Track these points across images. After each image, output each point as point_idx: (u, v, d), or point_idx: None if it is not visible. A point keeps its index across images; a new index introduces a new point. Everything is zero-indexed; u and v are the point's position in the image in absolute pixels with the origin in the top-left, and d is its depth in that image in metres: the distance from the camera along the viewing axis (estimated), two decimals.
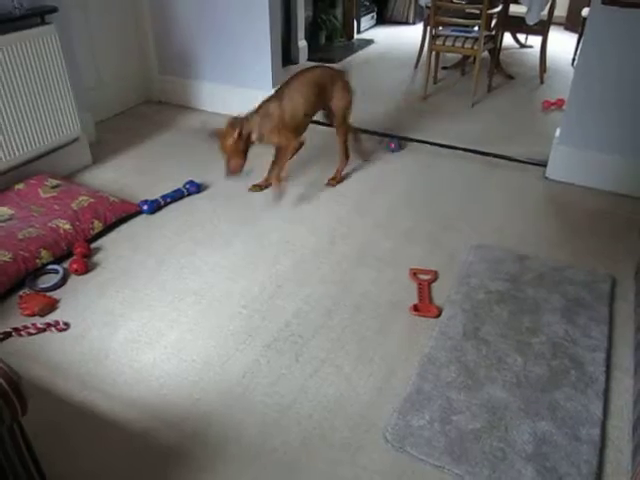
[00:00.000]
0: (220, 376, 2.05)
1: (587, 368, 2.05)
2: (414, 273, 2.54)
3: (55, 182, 3.03)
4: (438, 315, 2.30)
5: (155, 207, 3.02)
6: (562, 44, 6.06)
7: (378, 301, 2.41)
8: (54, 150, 3.26)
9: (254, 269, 2.62)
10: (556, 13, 5.00)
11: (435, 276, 2.53)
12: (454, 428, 1.83)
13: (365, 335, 2.23)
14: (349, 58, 5.76)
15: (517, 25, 5.04)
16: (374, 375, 2.05)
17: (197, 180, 3.25)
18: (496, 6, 4.63)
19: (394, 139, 3.77)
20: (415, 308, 2.33)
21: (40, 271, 2.55)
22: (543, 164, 3.46)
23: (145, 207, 2.99)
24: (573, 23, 6.36)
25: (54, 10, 3.06)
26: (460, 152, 3.71)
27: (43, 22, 3.04)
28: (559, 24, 6.54)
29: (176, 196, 3.13)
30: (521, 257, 2.65)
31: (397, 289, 2.48)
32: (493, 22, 5.03)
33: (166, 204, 3.08)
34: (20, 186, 2.98)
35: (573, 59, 5.51)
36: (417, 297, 2.40)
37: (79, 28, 3.73)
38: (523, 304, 2.36)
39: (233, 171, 2.93)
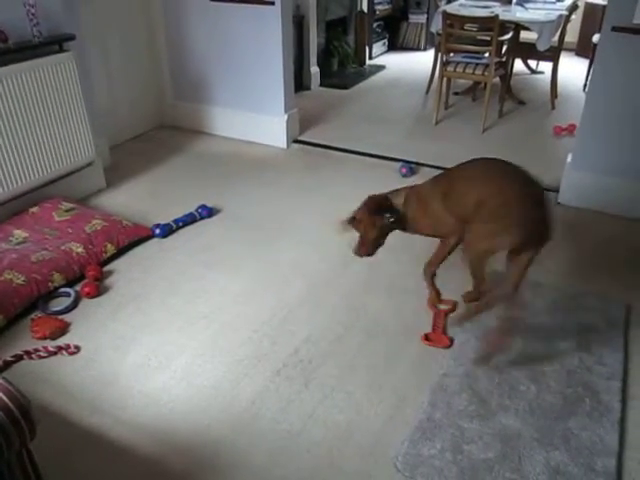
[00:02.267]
0: (229, 402, 2.04)
1: (602, 397, 2.02)
2: (433, 302, 2.51)
3: (69, 206, 3.07)
4: (449, 346, 2.27)
5: (167, 231, 3.04)
6: (573, 70, 6.09)
7: (389, 328, 2.40)
8: (69, 174, 3.30)
9: (264, 294, 2.61)
10: (567, 39, 5.04)
11: (454, 306, 2.49)
12: (466, 458, 1.79)
13: (376, 362, 2.21)
14: (361, 84, 5.82)
15: (528, 51, 5.08)
16: (385, 402, 2.03)
17: (209, 204, 3.27)
18: (507, 33, 4.69)
19: (406, 164, 3.78)
20: (427, 337, 2.31)
21: (52, 294, 2.57)
22: (555, 190, 3.44)
23: (157, 231, 3.01)
24: (584, 49, 6.40)
25: (72, 38, 3.13)
26: None
27: (61, 49, 3.12)
28: (570, 50, 6.58)
29: (188, 220, 3.15)
30: (534, 284, 2.62)
31: (409, 315, 2.46)
32: (504, 48, 5.08)
33: (178, 228, 3.10)
34: (35, 209, 3.02)
35: (584, 85, 5.53)
36: (432, 326, 2.38)
37: (96, 55, 3.81)
38: (536, 332, 2.33)
39: (364, 254, 2.38)
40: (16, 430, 1.25)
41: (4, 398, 1.25)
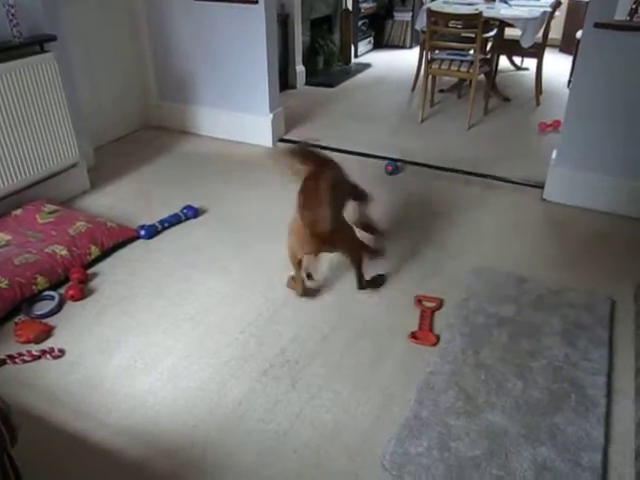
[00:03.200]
0: (216, 403, 2.03)
1: (588, 392, 2.03)
2: (419, 300, 2.51)
3: (53, 208, 3.03)
4: (435, 343, 2.27)
5: (152, 232, 3.02)
6: (557, 66, 6.13)
7: (376, 326, 2.39)
8: (52, 176, 3.27)
9: (251, 294, 2.60)
10: (551, 35, 5.06)
11: (440, 304, 2.50)
12: (453, 455, 1.80)
13: (363, 361, 2.21)
14: (346, 82, 5.82)
15: (512, 48, 5.10)
16: (372, 401, 2.03)
17: (195, 204, 3.25)
18: (491, 30, 4.70)
19: (391, 162, 3.78)
20: (413, 336, 2.30)
21: (36, 297, 2.54)
22: (540, 186, 3.46)
23: (142, 232, 2.99)
24: (568, 45, 6.44)
25: (53, 39, 3.10)
26: (457, 174, 3.73)
27: (42, 50, 3.08)
28: (554, 46, 6.63)
29: (173, 221, 3.13)
30: (520, 280, 2.64)
31: (395, 314, 2.46)
32: (488, 45, 5.10)
33: (164, 229, 3.08)
34: (18, 212, 2.99)
35: (569, 81, 5.56)
36: (418, 324, 2.37)
37: (78, 55, 3.77)
38: (522, 327, 2.34)
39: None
40: None
41: None
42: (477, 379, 2.08)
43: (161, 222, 3.08)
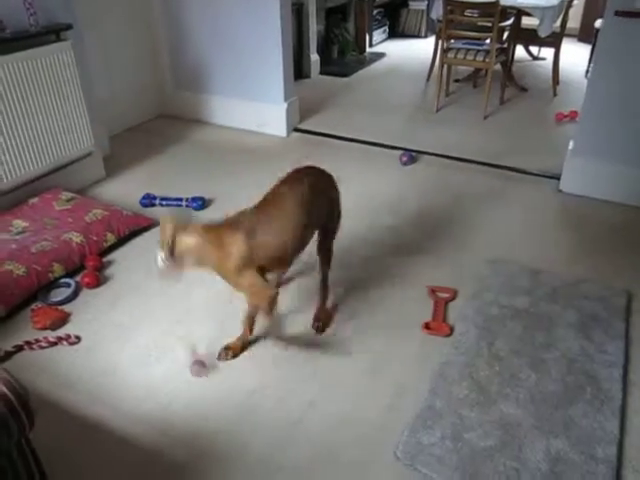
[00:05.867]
0: (229, 392, 2.04)
1: (603, 385, 2.01)
2: (432, 290, 2.50)
3: (69, 195, 3.06)
4: (449, 334, 2.27)
5: (147, 204, 3.20)
6: (575, 56, 6.04)
7: (389, 316, 2.39)
8: (68, 164, 3.29)
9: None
10: (569, 25, 4.98)
11: (454, 295, 2.49)
12: (466, 446, 1.79)
13: (376, 351, 2.21)
14: (361, 71, 5.78)
15: (529, 37, 5.04)
16: (384, 391, 2.03)
17: (207, 194, 3.26)
18: (508, 19, 4.64)
19: (406, 152, 3.76)
20: (427, 326, 2.30)
21: (52, 284, 2.57)
22: (557, 177, 3.42)
23: (141, 199, 3.19)
24: (586, 34, 6.35)
25: (69, 27, 3.10)
26: (472, 165, 3.69)
27: (58, 39, 3.09)
28: (572, 36, 6.52)
29: (173, 204, 3.20)
30: (535, 271, 2.62)
31: (409, 304, 2.46)
32: (505, 35, 5.03)
33: (161, 205, 3.21)
34: (34, 200, 3.01)
35: (586, 71, 5.48)
36: (431, 315, 2.37)
37: (94, 44, 3.78)
38: (537, 319, 2.33)
39: None
40: (15, 420, 1.25)
41: (3, 388, 1.25)
42: (491, 370, 2.08)
43: (162, 199, 3.21)
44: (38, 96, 3.00)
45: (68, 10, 3.23)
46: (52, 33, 3.06)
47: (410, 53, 6.46)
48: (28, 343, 2.24)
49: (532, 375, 2.05)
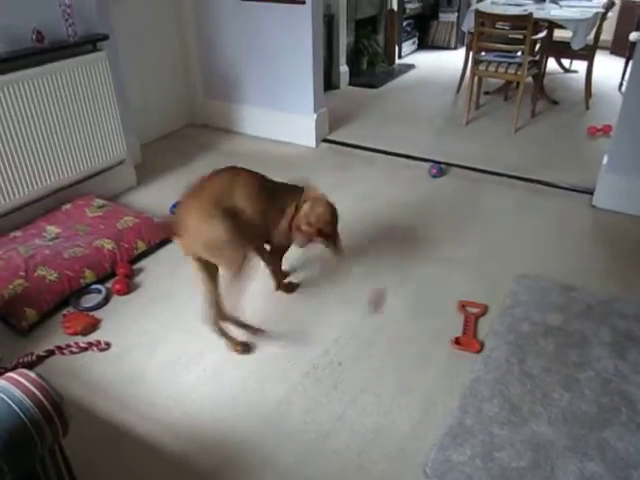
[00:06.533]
0: (257, 401, 2.04)
1: (639, 406, 1.96)
2: (463, 305, 2.47)
3: (102, 202, 3.11)
4: (479, 350, 2.23)
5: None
6: (608, 68, 5.95)
7: (418, 331, 2.36)
8: (101, 172, 3.34)
9: (294, 294, 2.60)
10: (602, 37, 4.91)
11: (484, 310, 2.45)
12: (497, 465, 1.76)
13: (405, 365, 2.19)
14: (390, 83, 5.78)
15: (561, 50, 4.98)
16: (414, 406, 2.00)
17: None
18: (540, 31, 4.59)
19: (435, 165, 3.74)
20: (457, 341, 2.27)
21: (84, 290, 2.60)
22: (590, 192, 3.36)
23: (172, 207, 3.10)
24: (620, 47, 6.25)
25: (105, 38, 3.17)
26: (503, 178, 3.65)
27: (95, 49, 3.15)
28: (605, 48, 6.42)
29: None
30: (568, 288, 2.57)
31: (438, 318, 2.43)
32: (537, 47, 4.99)
33: None
34: (68, 206, 3.07)
35: (620, 84, 5.40)
36: (462, 330, 2.34)
37: (128, 54, 3.85)
38: (570, 337, 2.28)
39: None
40: (49, 426, 1.26)
41: (38, 394, 1.26)
42: (522, 388, 2.04)
43: None
44: (74, 105, 3.06)
45: (105, 21, 3.30)
46: (89, 43, 3.13)
47: (439, 65, 6.44)
48: (59, 348, 2.27)
49: (565, 394, 2.01)
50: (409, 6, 6.57)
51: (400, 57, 6.58)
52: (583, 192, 3.43)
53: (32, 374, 1.30)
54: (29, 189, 2.95)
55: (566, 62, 5.89)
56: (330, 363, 2.20)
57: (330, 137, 4.32)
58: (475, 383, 2.06)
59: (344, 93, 5.49)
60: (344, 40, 5.52)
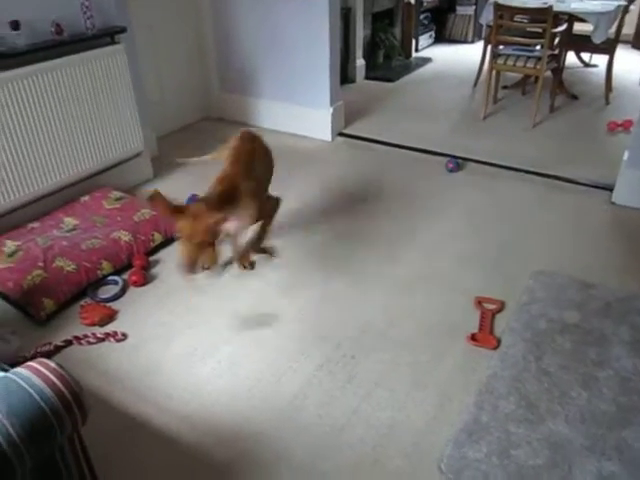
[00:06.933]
0: (272, 395, 2.04)
1: None
2: (479, 302, 2.46)
3: (119, 194, 3.13)
4: (496, 347, 2.21)
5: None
6: (629, 63, 5.87)
7: (434, 326, 2.36)
8: (118, 164, 3.36)
9: (307, 286, 2.60)
10: (623, 31, 4.83)
11: (501, 306, 2.44)
12: (513, 463, 1.75)
13: (420, 360, 2.18)
14: (406, 77, 5.74)
15: (582, 43, 4.91)
16: (429, 402, 2.00)
17: None
18: (560, 24, 4.53)
19: (452, 159, 3.71)
20: (473, 337, 2.26)
21: (100, 282, 2.62)
22: (609, 188, 3.32)
23: (188, 200, 3.11)
24: None
25: (123, 30, 3.18)
26: (521, 174, 3.62)
27: (113, 42, 3.16)
28: (626, 42, 6.33)
29: None
30: (586, 285, 2.54)
31: (454, 313, 2.42)
32: (556, 41, 4.92)
33: None
34: (85, 198, 3.09)
35: None
36: (478, 326, 2.32)
37: (145, 46, 3.86)
38: (588, 335, 2.25)
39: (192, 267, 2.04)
40: (69, 416, 1.27)
41: (58, 384, 1.27)
42: (539, 386, 2.02)
43: None
44: (92, 97, 3.07)
45: (122, 13, 3.31)
46: (107, 36, 3.14)
47: (457, 58, 6.38)
48: (77, 338, 2.30)
49: (583, 393, 1.98)
50: None
51: (417, 50, 6.53)
52: (603, 188, 3.38)
53: (52, 364, 1.32)
54: (48, 181, 2.97)
55: (586, 56, 5.81)
56: (343, 356, 2.20)
57: (346, 131, 4.31)
58: (491, 380, 2.05)
59: (360, 87, 5.46)
60: (360, 33, 5.48)
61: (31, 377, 1.26)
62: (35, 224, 2.87)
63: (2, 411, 1.17)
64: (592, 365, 2.11)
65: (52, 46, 2.85)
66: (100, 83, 3.09)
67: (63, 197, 3.07)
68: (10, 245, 2.66)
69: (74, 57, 2.93)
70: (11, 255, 2.59)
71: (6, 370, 1.40)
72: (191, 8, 4.26)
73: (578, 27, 4.76)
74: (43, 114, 2.86)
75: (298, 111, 4.24)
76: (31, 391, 1.23)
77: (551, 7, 4.04)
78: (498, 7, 4.22)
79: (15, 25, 2.67)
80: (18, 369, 1.30)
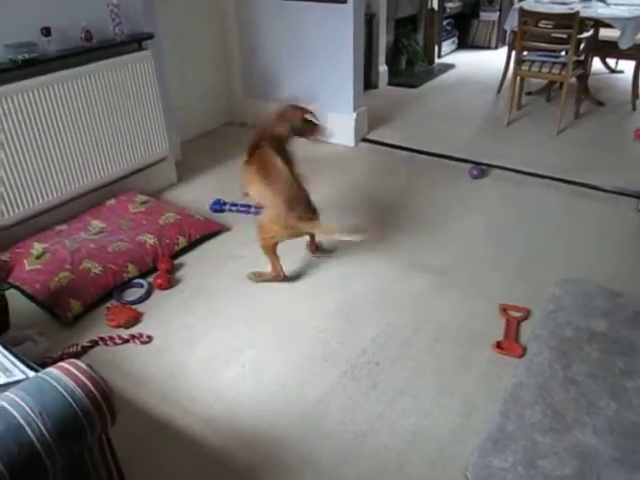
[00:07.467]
0: (296, 400, 2.04)
1: None
2: (504, 309, 2.43)
3: (144, 198, 3.16)
4: (522, 355, 2.19)
5: (217, 209, 3.30)
6: None
7: (458, 333, 2.34)
8: (144, 168, 3.41)
9: (331, 292, 2.61)
10: None
11: (526, 314, 2.41)
12: (539, 473, 1.72)
13: (445, 367, 2.16)
14: (429, 83, 5.72)
15: (607, 49, 4.85)
16: (454, 409, 1.98)
17: None
18: (586, 30, 4.49)
19: (476, 166, 3.68)
20: (498, 345, 2.23)
21: (126, 284, 2.65)
22: (636, 196, 3.27)
23: (212, 205, 3.29)
24: None
25: (151, 37, 3.22)
26: (546, 181, 3.58)
27: (140, 48, 3.21)
28: None
29: (242, 209, 3.27)
30: (613, 293, 2.50)
31: (479, 321, 2.40)
32: (581, 46, 4.87)
33: (230, 211, 3.30)
34: (112, 201, 3.13)
35: None
36: (503, 334, 2.30)
37: (170, 53, 3.90)
38: (616, 344, 2.22)
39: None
40: (99, 416, 1.28)
41: (88, 384, 1.29)
42: (566, 395, 1.99)
43: (232, 205, 3.30)
44: (120, 102, 3.12)
45: (150, 20, 3.36)
46: (135, 42, 3.18)
47: (480, 64, 6.35)
48: (102, 339, 2.33)
49: (611, 403, 1.95)
50: (449, 5, 6.50)
51: (440, 56, 6.51)
52: (630, 196, 3.33)
53: (83, 365, 1.34)
54: (75, 184, 3.02)
55: (612, 62, 5.74)
56: (368, 363, 2.19)
57: (369, 137, 4.31)
58: (517, 388, 2.03)
59: (383, 93, 5.46)
60: (384, 39, 5.48)
61: (62, 377, 1.28)
62: (63, 226, 2.92)
63: (35, 411, 1.19)
64: (620, 375, 2.07)
65: (82, 52, 2.90)
66: (128, 88, 3.14)
67: (90, 200, 3.12)
68: (38, 247, 2.71)
69: (103, 63, 2.98)
70: (39, 257, 2.64)
71: (37, 370, 1.42)
72: (216, 15, 4.31)
73: (604, 33, 4.69)
74: (72, 119, 2.91)
75: (321, 116, 4.24)
76: (63, 391, 1.25)
77: (577, 13, 4.01)
78: (523, 13, 4.19)
79: (47, 32, 2.73)
80: (49, 369, 1.32)
